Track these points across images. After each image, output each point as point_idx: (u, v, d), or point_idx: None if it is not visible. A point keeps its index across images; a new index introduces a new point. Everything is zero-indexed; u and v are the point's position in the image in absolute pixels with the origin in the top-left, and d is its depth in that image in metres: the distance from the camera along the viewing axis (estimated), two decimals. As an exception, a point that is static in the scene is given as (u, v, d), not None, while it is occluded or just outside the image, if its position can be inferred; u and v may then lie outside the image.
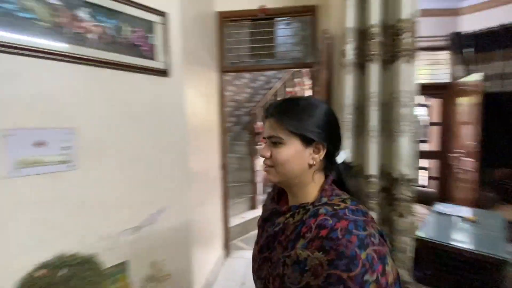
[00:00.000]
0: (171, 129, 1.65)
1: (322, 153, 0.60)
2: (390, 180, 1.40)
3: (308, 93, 4.64)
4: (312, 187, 0.61)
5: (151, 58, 1.51)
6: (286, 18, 2.40)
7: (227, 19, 2.38)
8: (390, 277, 0.48)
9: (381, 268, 0.47)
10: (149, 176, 1.55)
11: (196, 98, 1.95)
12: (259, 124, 4.07)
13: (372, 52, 1.36)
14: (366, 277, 0.46)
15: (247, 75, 5.07)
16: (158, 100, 1.57)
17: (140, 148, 1.49)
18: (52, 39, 1.17)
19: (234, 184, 3.52)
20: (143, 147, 1.51)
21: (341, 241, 0.48)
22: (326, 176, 0.63)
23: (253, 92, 5.24)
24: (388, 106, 1.39)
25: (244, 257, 2.72)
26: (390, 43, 1.37)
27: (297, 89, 4.73)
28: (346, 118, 1.44)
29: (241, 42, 2.46)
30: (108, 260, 1.36)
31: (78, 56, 1.24)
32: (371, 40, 1.36)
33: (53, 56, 1.18)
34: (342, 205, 0.55)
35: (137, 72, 1.45)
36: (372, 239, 0.50)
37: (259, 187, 3.96)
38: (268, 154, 0.61)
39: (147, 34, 1.49)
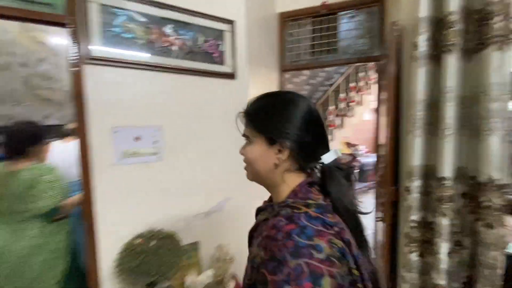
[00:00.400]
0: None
1: (285, 154, 0.55)
2: (473, 185, 1.25)
3: (374, 87, 4.33)
4: (283, 188, 0.58)
5: (221, 63, 1.68)
6: (350, 11, 2.31)
7: (288, 19, 2.44)
8: None
9: (309, 287, 0.41)
10: (219, 168, 1.74)
11: (259, 97, 2.07)
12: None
13: (450, 42, 1.23)
14: (286, 287, 0.41)
15: (306, 72, 5.03)
16: (226, 101, 1.74)
17: (212, 143, 1.69)
18: (146, 53, 1.44)
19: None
20: (215, 143, 1.70)
21: (278, 243, 0.46)
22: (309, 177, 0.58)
23: (312, 89, 5.17)
24: (471, 101, 1.24)
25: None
26: (474, 30, 1.22)
27: (361, 83, 4.47)
28: (417, 115, 1.34)
29: (302, 40, 2.48)
30: (184, 238, 1.60)
31: (164, 66, 1.48)
32: (449, 28, 1.23)
33: (146, 67, 1.44)
34: (303, 209, 0.51)
35: (210, 76, 1.65)
36: (313, 251, 0.44)
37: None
38: (240, 151, 0.62)
39: (217, 42, 1.66)
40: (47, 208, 1.49)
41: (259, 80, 2.09)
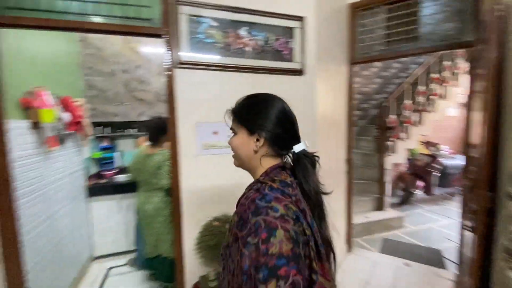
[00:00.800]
0: (303, 122, 1.81)
1: (261, 142, 0.68)
2: None
3: (464, 77, 3.71)
4: (260, 170, 0.70)
5: (290, 60, 1.72)
6: (435, -8, 2.04)
7: (359, 9, 2.30)
8: (273, 248, 0.51)
9: (265, 236, 0.51)
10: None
11: (326, 92, 2.04)
12: (392, 118, 3.67)
13: None
14: (249, 239, 0.53)
15: (378, 64, 4.64)
16: (294, 97, 1.76)
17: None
18: (223, 55, 1.58)
19: (358, 181, 3.38)
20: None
21: (245, 207, 0.59)
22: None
23: (383, 82, 4.75)
24: None
25: (368, 257, 2.61)
26: None
27: (446, 74, 3.88)
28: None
29: (375, 30, 2.31)
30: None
31: (239, 66, 1.61)
32: None
33: (223, 68, 1.58)
34: (269, 183, 0.63)
35: (279, 73, 1.71)
36: (270, 211, 0.55)
37: (388, 187, 3.61)
38: (228, 142, 0.76)
39: (287, 39, 1.71)
40: (167, 186, 1.85)
41: (327, 75, 2.05)
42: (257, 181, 0.68)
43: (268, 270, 0.49)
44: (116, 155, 3.10)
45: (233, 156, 0.78)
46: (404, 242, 3.02)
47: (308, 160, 0.70)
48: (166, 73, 1.49)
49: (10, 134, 1.47)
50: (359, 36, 2.36)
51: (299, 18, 1.71)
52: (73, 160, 2.31)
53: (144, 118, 2.86)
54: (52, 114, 1.76)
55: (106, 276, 2.39)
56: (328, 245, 0.70)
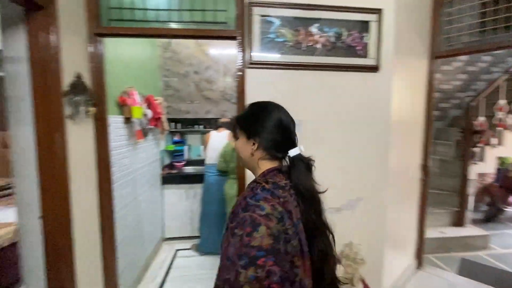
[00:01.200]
0: (376, 122, 1.70)
1: (256, 146, 0.75)
2: None
3: None
4: (258, 171, 0.76)
5: (364, 56, 1.62)
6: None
7: (447, -5, 2.01)
8: (254, 241, 0.58)
9: (249, 230, 0.59)
10: (353, 166, 1.70)
11: (403, 90, 1.85)
12: (481, 120, 3.12)
13: None
14: (236, 230, 0.60)
15: (462, 57, 4.01)
16: (366, 95, 1.67)
17: (348, 140, 1.67)
18: (293, 54, 1.58)
19: (434, 191, 2.99)
20: (350, 139, 1.68)
21: (237, 203, 0.66)
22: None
23: (469, 79, 4.08)
24: None
25: (443, 277, 2.29)
26: None
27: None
28: None
29: (463, 19, 1.99)
30: (315, 228, 1.68)
31: (309, 64, 1.58)
32: None
33: (293, 67, 1.58)
34: (263, 184, 0.68)
35: (351, 70, 1.62)
36: (257, 209, 0.62)
37: (470, 200, 3.10)
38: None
39: (362, 34, 1.60)
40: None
41: (404, 71, 1.86)
42: (254, 181, 0.75)
43: (248, 259, 0.57)
44: (185, 148, 3.42)
45: (237, 158, 0.86)
46: (489, 265, 2.56)
47: (303, 164, 0.76)
48: (238, 73, 1.56)
49: (110, 128, 1.75)
50: (443, 27, 2.07)
51: (376, 11, 1.59)
52: (153, 151, 2.63)
53: (211, 115, 3.07)
54: (140, 111, 2.03)
55: (174, 257, 2.66)
56: (325, 228, 0.81)
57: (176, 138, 3.34)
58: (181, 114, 3.05)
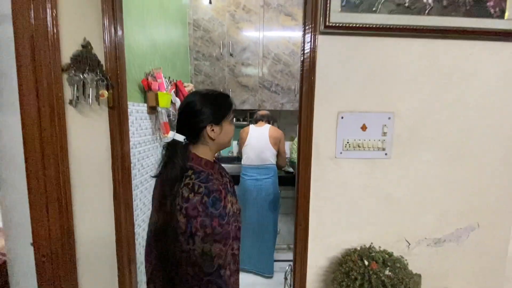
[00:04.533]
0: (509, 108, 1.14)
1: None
2: None
3: None
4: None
5: (500, 15, 1.06)
6: None
7: None
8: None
9: None
10: (466, 180, 1.17)
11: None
12: None
13: None
14: None
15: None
16: (500, 76, 1.11)
17: (463, 142, 1.14)
18: (391, 12, 1.05)
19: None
20: (467, 141, 1.14)
21: None
22: None
23: None
24: None
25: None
26: None
27: None
28: None
29: None
30: (404, 266, 1.19)
31: (414, 27, 1.05)
32: None
33: (389, 31, 1.07)
34: None
35: (478, 38, 1.07)
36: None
37: None
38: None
39: (499, -20, 1.04)
40: None
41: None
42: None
43: None
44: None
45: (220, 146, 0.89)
46: None
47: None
48: (305, 43, 1.08)
49: (131, 118, 1.36)
50: None
51: None
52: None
53: (246, 106, 2.63)
54: (168, 98, 1.63)
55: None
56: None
57: (206, 131, 2.94)
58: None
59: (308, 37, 1.08)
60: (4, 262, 1.22)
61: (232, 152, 3.04)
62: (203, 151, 0.85)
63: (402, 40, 1.08)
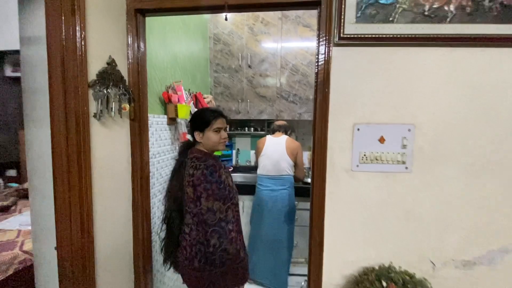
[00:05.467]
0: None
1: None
2: None
3: None
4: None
5: (531, 20, 0.98)
6: None
7: None
8: None
9: None
10: (499, 195, 1.07)
11: None
12: None
13: None
14: None
15: None
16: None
17: (493, 154, 1.05)
18: (410, 21, 1.02)
19: None
20: (498, 154, 1.05)
21: None
22: None
23: None
24: None
25: None
26: None
27: None
28: None
29: None
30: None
31: (434, 35, 1.01)
32: None
33: (408, 41, 1.03)
34: None
35: (502, 45, 1.00)
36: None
37: None
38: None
39: (529, -16, 0.98)
40: None
41: None
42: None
43: None
44: (233, 153, 3.07)
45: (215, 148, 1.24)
46: None
47: None
48: (319, 55, 1.08)
49: (151, 130, 1.43)
50: None
51: None
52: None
53: (264, 116, 2.65)
54: (187, 110, 1.69)
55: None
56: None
57: (225, 141, 2.99)
58: (231, 115, 2.68)
59: (322, 48, 1.07)
60: (31, 264, 1.31)
61: (250, 161, 3.06)
62: (200, 147, 1.25)
63: (422, 50, 1.04)
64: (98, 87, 0.98)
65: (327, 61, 1.07)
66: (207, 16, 2.55)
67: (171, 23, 1.71)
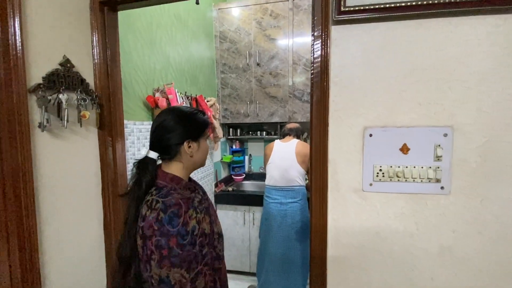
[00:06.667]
0: None
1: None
2: None
3: None
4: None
5: None
6: None
7: None
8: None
9: None
10: None
11: None
12: None
13: None
14: None
15: None
16: None
17: None
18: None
19: None
20: None
21: None
22: None
23: None
24: None
25: None
26: None
27: None
28: None
29: None
30: None
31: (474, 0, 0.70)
32: None
33: (430, 9, 0.73)
34: None
35: None
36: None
37: None
38: None
39: None
40: None
41: None
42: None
43: None
44: (245, 159, 2.86)
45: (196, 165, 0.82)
46: None
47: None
48: (315, 37, 0.82)
49: (132, 137, 1.27)
50: None
51: None
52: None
53: (276, 119, 2.40)
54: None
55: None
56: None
57: (235, 146, 2.80)
58: (240, 118, 2.48)
59: (317, 29, 0.81)
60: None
61: (264, 168, 2.82)
62: (175, 169, 0.76)
63: (463, 20, 0.72)
64: (42, 92, 0.83)
65: (325, 45, 0.80)
66: (212, 14, 2.38)
67: (160, 20, 1.56)
